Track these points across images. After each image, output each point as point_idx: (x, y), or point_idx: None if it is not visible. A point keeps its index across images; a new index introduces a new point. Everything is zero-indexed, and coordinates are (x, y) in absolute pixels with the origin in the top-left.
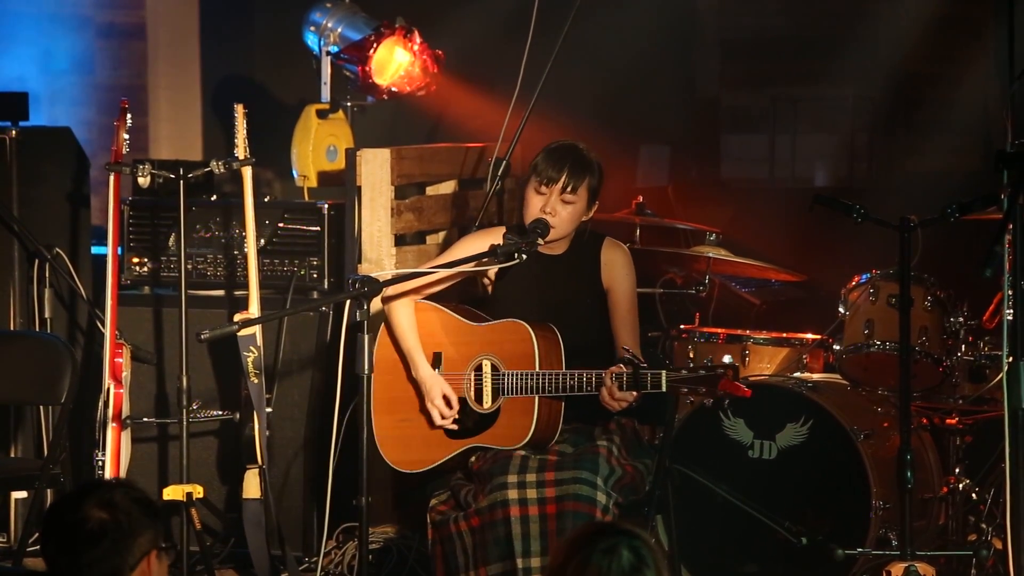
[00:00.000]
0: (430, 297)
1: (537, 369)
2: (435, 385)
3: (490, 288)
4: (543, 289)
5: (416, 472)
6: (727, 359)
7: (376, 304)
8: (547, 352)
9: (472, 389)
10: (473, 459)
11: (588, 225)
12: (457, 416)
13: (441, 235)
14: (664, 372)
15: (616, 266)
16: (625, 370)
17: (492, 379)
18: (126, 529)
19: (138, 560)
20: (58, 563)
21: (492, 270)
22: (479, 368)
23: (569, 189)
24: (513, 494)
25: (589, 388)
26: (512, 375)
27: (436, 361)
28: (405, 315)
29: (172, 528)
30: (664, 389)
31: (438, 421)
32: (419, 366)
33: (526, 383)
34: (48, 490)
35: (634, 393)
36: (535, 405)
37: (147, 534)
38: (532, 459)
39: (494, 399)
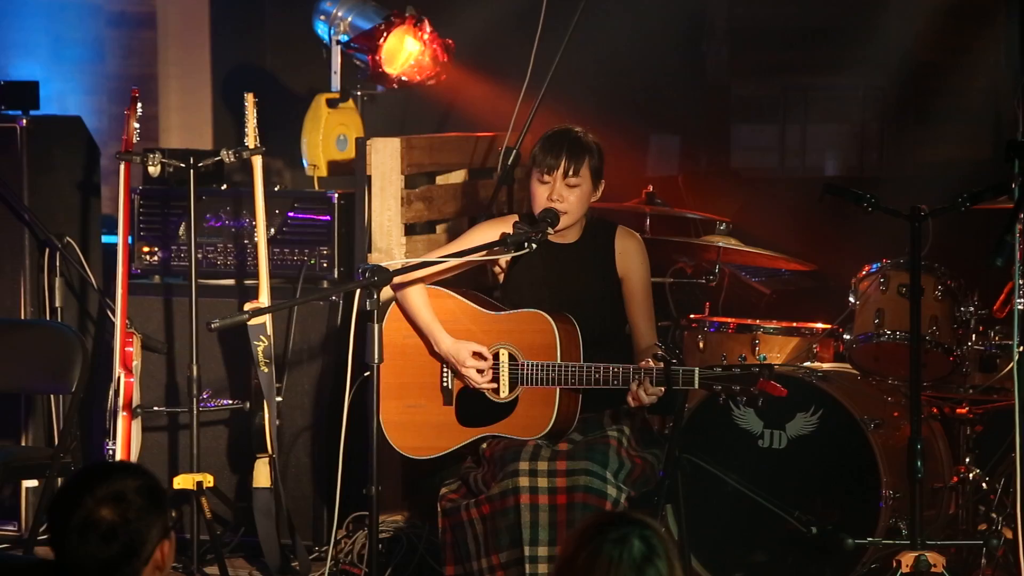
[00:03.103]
0: (440, 283)
1: (559, 360)
2: (461, 348)
3: (501, 276)
4: (555, 278)
5: (427, 458)
6: (763, 358)
7: (386, 292)
8: (567, 343)
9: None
10: (485, 445)
11: (593, 213)
12: (488, 385)
13: (451, 224)
14: (697, 369)
15: (631, 254)
16: (656, 366)
17: (509, 368)
18: (137, 529)
19: (151, 553)
20: (70, 560)
21: (503, 258)
22: (495, 357)
23: (571, 173)
24: (524, 481)
25: (616, 382)
26: (532, 365)
27: None
28: (418, 295)
29: (183, 517)
30: (696, 386)
31: (477, 379)
32: (440, 339)
33: (547, 374)
34: (59, 479)
35: (662, 389)
36: (556, 397)
37: (157, 526)
38: (545, 448)
39: (511, 389)
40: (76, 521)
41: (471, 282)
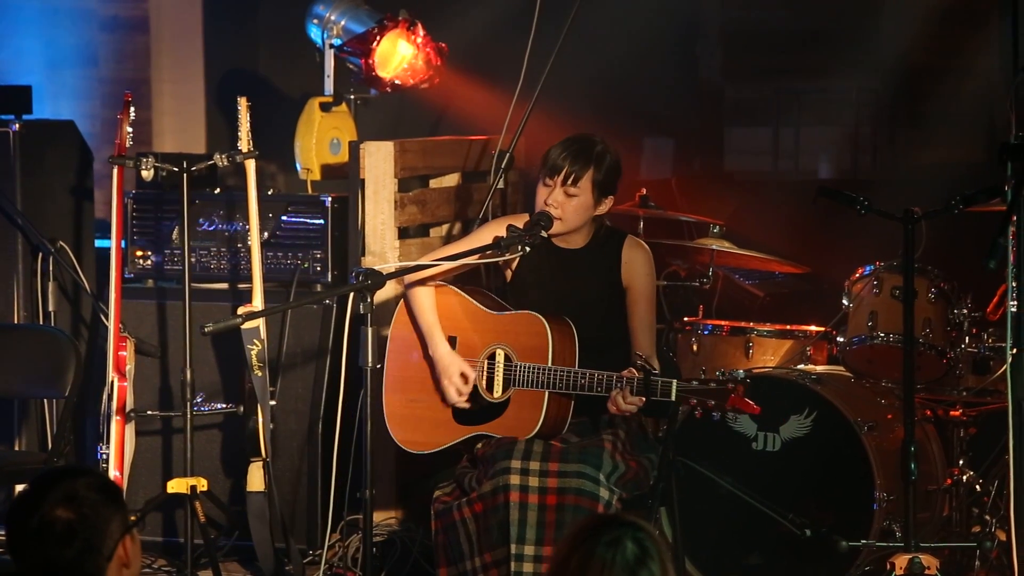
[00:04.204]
0: (452, 280)
1: (550, 364)
2: (452, 363)
3: (509, 275)
4: (560, 281)
5: (421, 453)
6: (741, 373)
7: (386, 292)
8: (561, 347)
9: (484, 377)
10: (479, 446)
11: (604, 220)
12: (462, 404)
13: (444, 228)
14: (675, 381)
15: (637, 265)
16: (636, 375)
17: (504, 369)
18: (94, 524)
19: (113, 549)
20: (33, 568)
21: (513, 259)
22: (492, 356)
23: (570, 181)
24: (515, 479)
25: (599, 389)
26: (524, 367)
27: (450, 345)
28: (425, 294)
29: (176, 521)
30: (673, 398)
31: (453, 398)
32: (437, 344)
33: (537, 377)
34: None
35: (642, 399)
36: (544, 400)
37: (116, 520)
38: (537, 444)
39: (504, 389)
40: (32, 527)
41: (479, 281)
